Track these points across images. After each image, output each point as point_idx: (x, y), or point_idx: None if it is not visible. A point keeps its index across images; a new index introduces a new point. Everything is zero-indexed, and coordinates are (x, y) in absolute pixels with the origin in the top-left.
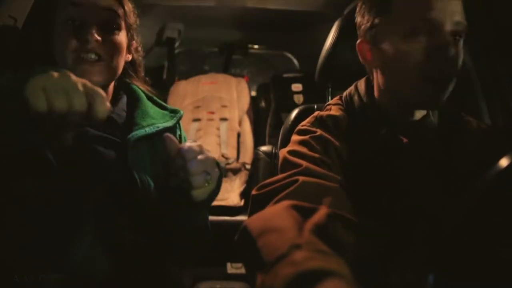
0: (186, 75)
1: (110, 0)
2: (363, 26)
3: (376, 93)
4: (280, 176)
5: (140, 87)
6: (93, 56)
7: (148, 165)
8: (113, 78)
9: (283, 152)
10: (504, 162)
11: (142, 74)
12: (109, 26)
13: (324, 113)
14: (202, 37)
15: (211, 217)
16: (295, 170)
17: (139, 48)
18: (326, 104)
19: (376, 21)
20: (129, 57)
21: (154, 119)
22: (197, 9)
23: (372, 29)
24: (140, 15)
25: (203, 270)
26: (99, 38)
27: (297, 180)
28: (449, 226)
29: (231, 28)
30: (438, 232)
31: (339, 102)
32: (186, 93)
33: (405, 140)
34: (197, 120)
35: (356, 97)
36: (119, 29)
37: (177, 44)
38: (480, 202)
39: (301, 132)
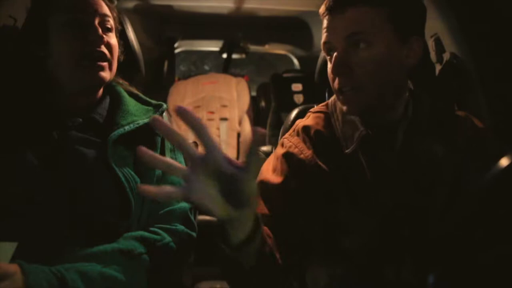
0: (186, 75)
1: (105, 5)
2: None
3: None
4: None
5: (123, 87)
6: (102, 54)
7: (131, 162)
8: (111, 78)
9: (261, 175)
10: (504, 162)
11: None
12: (107, 28)
13: (301, 123)
14: (202, 37)
15: (211, 217)
16: None
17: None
18: (308, 111)
19: None
20: (121, 58)
21: (136, 116)
22: (197, 9)
23: None
24: (140, 15)
25: (203, 270)
26: (105, 38)
27: None
28: (449, 227)
29: (231, 28)
30: (429, 234)
31: (322, 109)
32: (186, 92)
33: (376, 137)
34: None
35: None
36: (113, 31)
37: (177, 44)
38: (480, 202)
39: (281, 145)
